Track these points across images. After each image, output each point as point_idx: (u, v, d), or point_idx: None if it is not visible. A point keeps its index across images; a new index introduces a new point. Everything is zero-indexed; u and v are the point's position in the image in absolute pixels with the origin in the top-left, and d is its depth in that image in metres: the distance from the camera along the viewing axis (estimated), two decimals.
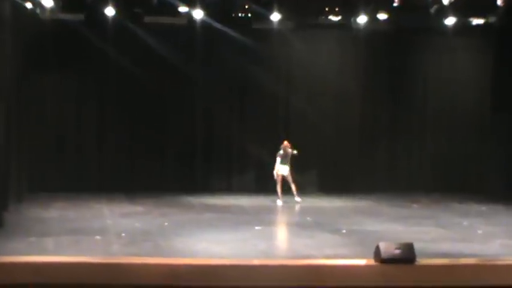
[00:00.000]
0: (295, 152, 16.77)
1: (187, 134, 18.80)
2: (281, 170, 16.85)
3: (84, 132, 18.38)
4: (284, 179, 16.94)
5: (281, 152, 16.81)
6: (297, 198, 16.97)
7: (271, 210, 16.23)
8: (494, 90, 18.89)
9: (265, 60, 18.72)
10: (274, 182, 16.97)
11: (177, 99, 18.66)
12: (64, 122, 18.21)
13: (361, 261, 7.54)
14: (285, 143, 16.92)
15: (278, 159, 16.81)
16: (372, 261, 7.23)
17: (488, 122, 19.03)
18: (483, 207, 16.62)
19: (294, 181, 17.00)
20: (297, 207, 16.64)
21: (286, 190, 17.02)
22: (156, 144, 18.61)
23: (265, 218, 14.73)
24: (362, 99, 19.49)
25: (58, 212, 14.67)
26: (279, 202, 16.85)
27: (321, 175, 19.16)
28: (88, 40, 17.59)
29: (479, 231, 13.21)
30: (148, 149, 18.49)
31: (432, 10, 17.49)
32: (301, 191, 17.47)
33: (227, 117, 19.02)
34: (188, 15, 17.71)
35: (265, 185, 18.35)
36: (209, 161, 19.00)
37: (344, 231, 13.00)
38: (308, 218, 14.73)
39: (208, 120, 18.92)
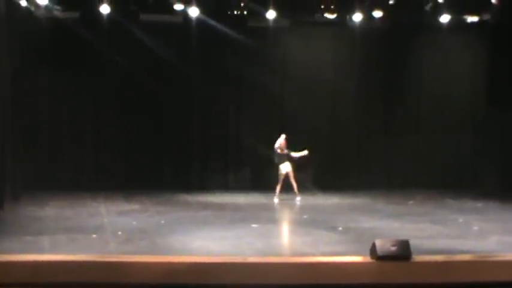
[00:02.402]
0: (294, 154, 16.73)
1: (183, 131, 18.75)
2: (283, 168, 16.84)
3: (80, 130, 18.31)
4: (286, 176, 16.88)
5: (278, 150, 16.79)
6: (298, 198, 16.86)
7: (268, 208, 16.17)
8: (489, 87, 18.91)
9: (261, 58, 18.69)
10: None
11: (173, 97, 18.64)
12: (60, 120, 18.15)
13: (358, 258, 7.55)
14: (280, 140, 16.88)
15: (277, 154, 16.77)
16: (368, 258, 7.25)
17: (482, 119, 19.05)
18: (479, 204, 16.61)
19: (296, 180, 16.94)
20: (293, 205, 16.59)
21: (286, 188, 16.95)
22: (152, 142, 18.57)
23: (262, 215, 14.69)
24: (358, 97, 19.46)
25: (54, 211, 14.60)
26: (275, 199, 16.83)
27: (317, 172, 19.14)
28: (83, 38, 17.54)
29: (475, 228, 13.21)
30: (144, 147, 18.45)
31: (427, 7, 17.54)
32: (298, 188, 17.54)
33: (223, 114, 19.00)
34: (184, 13, 17.72)
35: (261, 182, 18.36)
36: (205, 159, 18.96)
37: (340, 228, 12.99)
38: (304, 216, 14.72)
39: (204, 118, 18.87)
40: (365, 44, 19.00)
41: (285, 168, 16.85)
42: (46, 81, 17.99)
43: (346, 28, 18.63)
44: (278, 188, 16.88)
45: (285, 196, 16.89)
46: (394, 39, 19.07)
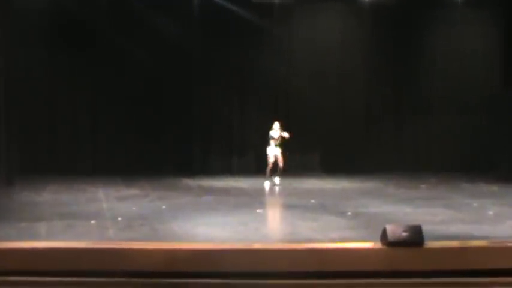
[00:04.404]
0: (285, 134, 16.22)
1: (185, 113, 18.51)
2: (272, 151, 16.37)
3: (78, 112, 18.18)
4: (275, 159, 16.44)
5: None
6: (277, 180, 16.42)
7: (273, 192, 16.05)
8: (505, 64, 18.53)
9: (266, 36, 18.52)
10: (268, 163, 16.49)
11: (175, 78, 18.39)
12: (57, 102, 17.95)
13: (367, 245, 7.13)
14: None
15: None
16: (378, 245, 6.83)
17: (498, 98, 18.66)
18: (494, 187, 16.43)
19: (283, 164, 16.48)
20: (298, 189, 16.27)
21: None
22: (153, 125, 18.35)
23: (267, 200, 14.58)
24: (367, 76, 19.22)
25: (51, 196, 14.50)
26: (267, 184, 16.41)
27: (325, 156, 18.91)
28: (83, 17, 17.40)
29: (490, 212, 13.02)
30: (145, 130, 18.27)
31: None
32: (305, 172, 17.27)
33: (226, 96, 18.75)
34: None
35: (266, 166, 18.06)
36: (208, 142, 18.79)
37: (349, 213, 12.80)
38: (312, 200, 14.51)
39: (207, 99, 18.62)
40: (375, 20, 18.81)
41: (275, 151, 16.36)
42: (44, 63, 17.77)
43: (356, 4, 18.36)
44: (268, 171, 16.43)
45: (291, 180, 16.60)
46: (406, 15, 18.75)
